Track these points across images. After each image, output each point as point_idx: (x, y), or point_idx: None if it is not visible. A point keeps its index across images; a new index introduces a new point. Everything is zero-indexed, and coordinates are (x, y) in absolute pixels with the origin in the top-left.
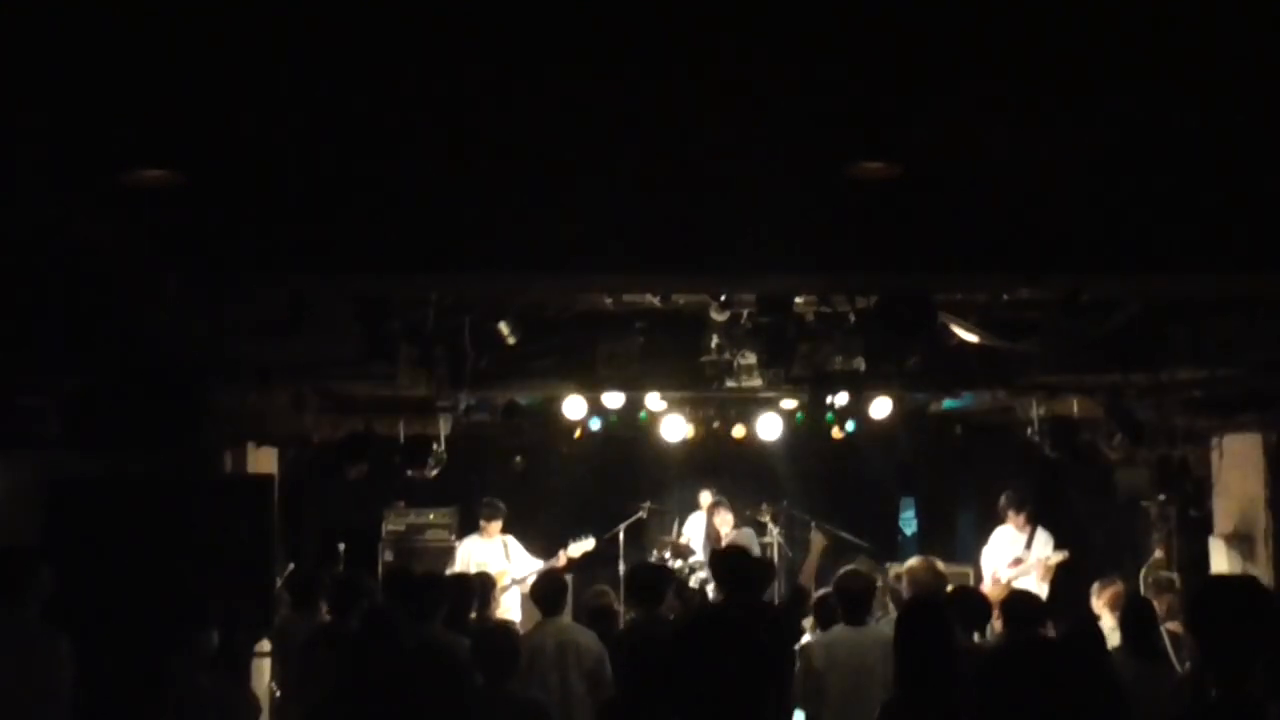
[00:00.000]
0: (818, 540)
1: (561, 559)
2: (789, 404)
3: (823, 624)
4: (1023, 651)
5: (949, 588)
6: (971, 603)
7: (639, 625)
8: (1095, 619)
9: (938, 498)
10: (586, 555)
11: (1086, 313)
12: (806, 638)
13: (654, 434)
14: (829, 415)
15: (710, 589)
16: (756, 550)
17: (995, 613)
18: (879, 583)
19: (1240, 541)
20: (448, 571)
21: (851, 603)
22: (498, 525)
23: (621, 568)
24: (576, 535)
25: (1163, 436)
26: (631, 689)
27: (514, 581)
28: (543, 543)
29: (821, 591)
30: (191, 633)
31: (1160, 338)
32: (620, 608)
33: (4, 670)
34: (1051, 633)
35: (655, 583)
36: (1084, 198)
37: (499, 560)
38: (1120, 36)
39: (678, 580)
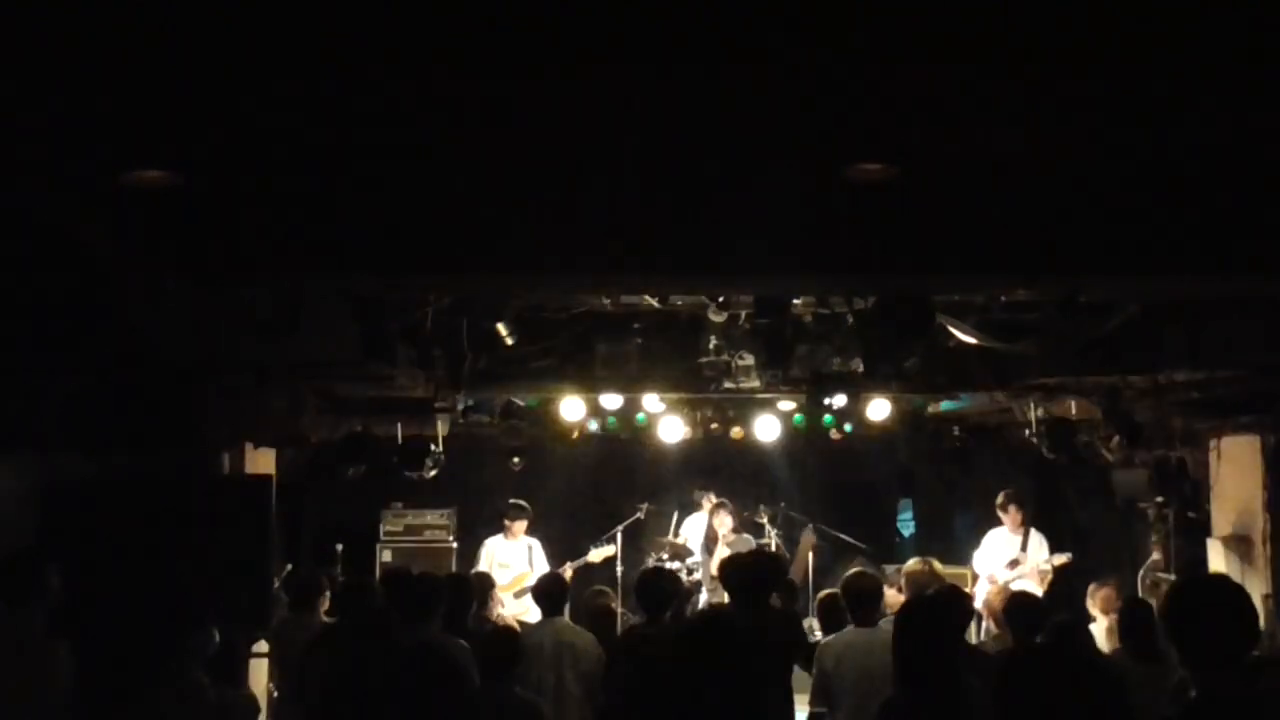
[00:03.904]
0: (807, 538)
1: (579, 563)
2: (787, 405)
3: (825, 625)
4: (1041, 655)
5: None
6: (956, 603)
7: (641, 630)
8: (1088, 620)
9: (935, 499)
10: (607, 560)
11: (1084, 314)
12: (816, 636)
13: (652, 435)
14: (827, 417)
15: (704, 591)
16: None
17: (987, 613)
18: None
19: (1238, 543)
20: (472, 570)
21: (861, 604)
22: (523, 526)
23: (619, 569)
24: (598, 541)
25: (1160, 438)
26: (632, 693)
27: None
28: (540, 543)
29: (825, 592)
30: (189, 633)
31: (1158, 339)
32: (618, 608)
33: (5, 674)
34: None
35: (664, 592)
36: (1082, 199)
37: (521, 562)
38: (1119, 37)
39: (683, 590)
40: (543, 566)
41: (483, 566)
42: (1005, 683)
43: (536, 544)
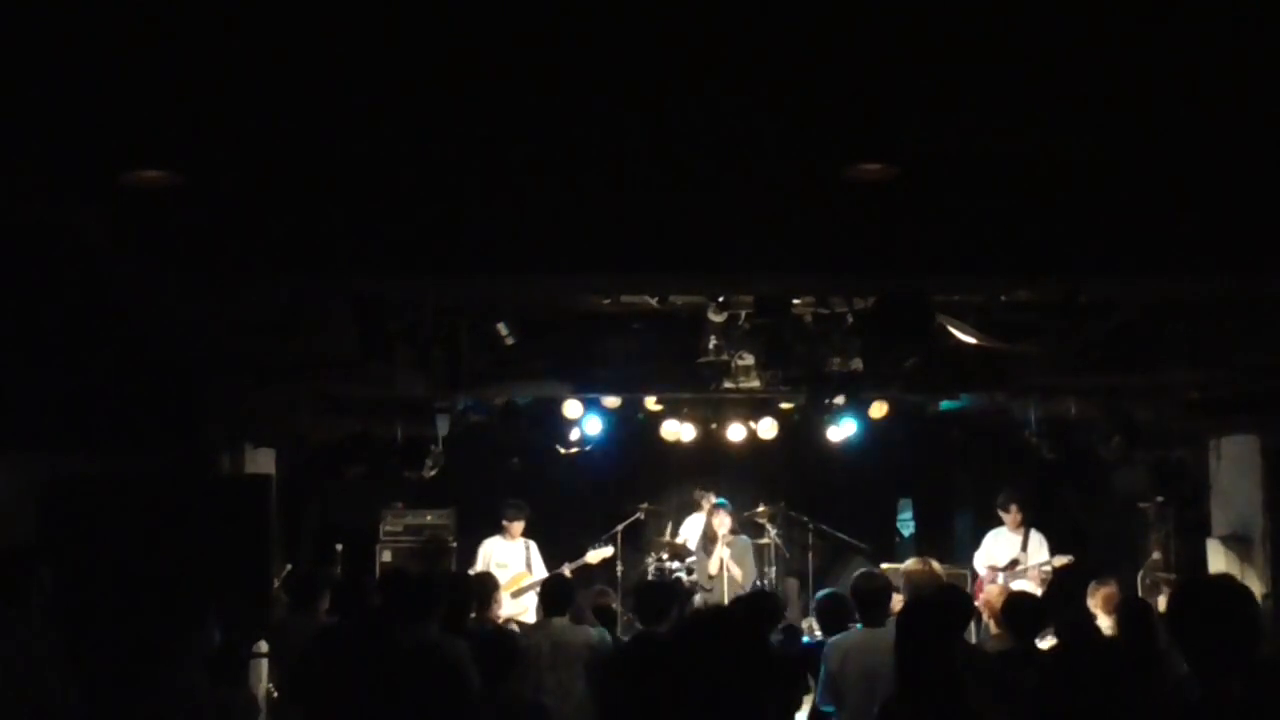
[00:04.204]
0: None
1: (578, 564)
2: (786, 405)
3: (825, 625)
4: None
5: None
6: (956, 604)
7: (642, 634)
8: (1092, 620)
9: (935, 499)
10: (604, 562)
11: (1084, 314)
12: (816, 635)
13: (652, 435)
14: (826, 416)
15: (701, 592)
16: (751, 558)
17: (987, 613)
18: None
19: (1237, 543)
20: (470, 571)
21: (868, 604)
22: (521, 526)
23: (619, 569)
24: (597, 543)
25: (1160, 438)
26: (632, 694)
27: (532, 585)
28: (540, 544)
29: (824, 592)
30: (190, 633)
31: (1158, 340)
32: (618, 608)
33: (2, 673)
34: (1050, 634)
35: (661, 604)
36: (1082, 199)
37: (519, 562)
38: (1119, 36)
39: (682, 592)
40: (540, 567)
41: (480, 567)
42: (1051, 682)
43: (534, 545)
